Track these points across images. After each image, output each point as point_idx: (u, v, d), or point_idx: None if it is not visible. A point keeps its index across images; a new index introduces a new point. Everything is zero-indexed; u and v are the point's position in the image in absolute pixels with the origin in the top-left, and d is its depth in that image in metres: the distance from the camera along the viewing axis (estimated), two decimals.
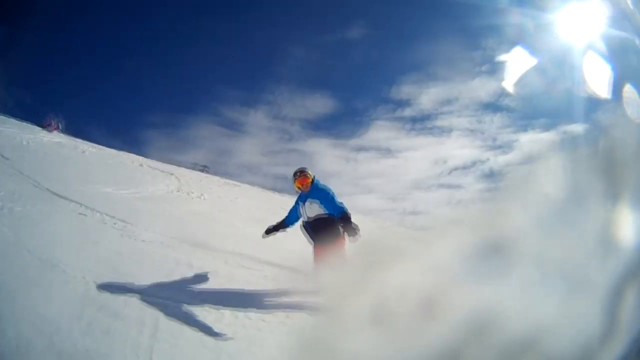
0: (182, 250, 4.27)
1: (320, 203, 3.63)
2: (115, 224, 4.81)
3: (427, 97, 17.97)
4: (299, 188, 3.83)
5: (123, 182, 7.43)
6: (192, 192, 7.91)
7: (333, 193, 3.70)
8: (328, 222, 3.59)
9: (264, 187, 12.11)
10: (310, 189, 3.73)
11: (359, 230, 3.49)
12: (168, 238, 4.59)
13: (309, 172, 3.83)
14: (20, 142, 8.91)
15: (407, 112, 17.23)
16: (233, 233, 5.53)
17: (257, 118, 17.31)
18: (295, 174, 3.86)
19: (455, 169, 15.76)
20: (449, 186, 15.90)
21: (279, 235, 4.53)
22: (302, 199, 3.81)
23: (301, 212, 3.78)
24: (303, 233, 3.80)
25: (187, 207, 6.74)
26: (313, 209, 3.65)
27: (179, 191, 7.85)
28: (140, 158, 11.32)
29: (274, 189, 11.92)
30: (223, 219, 6.37)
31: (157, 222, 5.16)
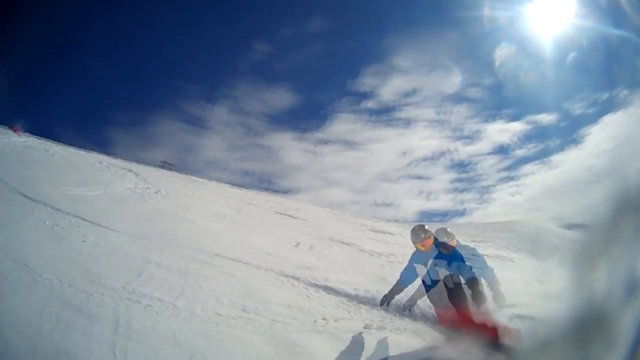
0: (150, 249, 4.39)
1: (459, 268, 3.33)
2: (84, 225, 4.88)
3: (390, 89, 18.43)
4: (421, 248, 3.58)
5: (90, 182, 7.45)
6: (160, 191, 7.90)
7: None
8: (471, 286, 3.28)
9: (231, 183, 12.13)
10: (452, 252, 3.42)
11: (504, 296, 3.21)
12: (136, 237, 4.72)
13: (429, 230, 3.59)
14: None
15: (371, 104, 17.63)
16: (200, 231, 5.66)
17: (219, 113, 17.10)
18: (418, 233, 3.59)
19: (424, 159, 16.45)
20: (418, 177, 16.62)
21: (245, 231, 4.71)
22: (421, 258, 3.52)
23: (428, 273, 3.45)
24: (430, 298, 3.50)
25: (153, 206, 6.78)
26: (450, 272, 3.33)
27: (146, 190, 7.84)
28: (106, 157, 11.16)
29: (240, 186, 12.05)
30: (189, 216, 6.45)
31: (124, 222, 5.24)
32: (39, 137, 11.89)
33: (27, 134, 12.10)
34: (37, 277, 3.21)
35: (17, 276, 3.17)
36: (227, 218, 7.19)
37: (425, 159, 16.66)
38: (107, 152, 12.25)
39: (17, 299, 2.82)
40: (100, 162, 10.02)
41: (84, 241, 4.35)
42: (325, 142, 16.71)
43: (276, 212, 8.69)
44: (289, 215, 8.46)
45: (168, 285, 3.54)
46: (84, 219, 5.06)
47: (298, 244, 5.96)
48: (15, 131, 12.17)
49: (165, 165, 14.03)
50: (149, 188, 7.95)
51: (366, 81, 18.07)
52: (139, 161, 11.71)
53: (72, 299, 2.94)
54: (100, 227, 4.90)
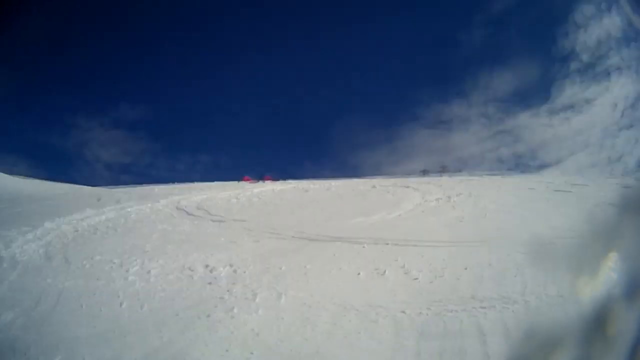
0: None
1: None
2: (398, 250, 5.12)
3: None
4: None
5: (371, 208, 7.71)
6: (449, 198, 8.01)
7: None
8: None
9: (491, 173, 12.39)
10: None
11: None
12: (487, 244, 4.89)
13: None
14: (229, 200, 10.48)
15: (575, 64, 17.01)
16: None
17: (458, 111, 17.94)
18: None
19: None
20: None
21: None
22: None
23: None
24: None
25: (450, 215, 6.80)
26: None
27: (435, 200, 8.07)
28: (369, 180, 12.30)
29: (497, 174, 12.31)
30: (504, 219, 6.25)
31: (429, 236, 5.46)
32: (287, 181, 14.04)
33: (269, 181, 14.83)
34: (370, 316, 3.55)
35: (344, 316, 3.59)
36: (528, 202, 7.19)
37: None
38: (359, 175, 13.89)
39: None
40: (374, 186, 10.89)
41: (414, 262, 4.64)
42: (557, 111, 17.02)
43: (554, 190, 8.33)
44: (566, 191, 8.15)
45: None
46: (396, 244, 5.35)
47: None
48: (266, 180, 15.03)
49: (425, 173, 14.90)
50: (440, 198, 8.21)
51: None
52: (398, 175, 13.00)
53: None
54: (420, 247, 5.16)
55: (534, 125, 17.19)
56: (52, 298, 4.56)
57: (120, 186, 17.08)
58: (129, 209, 9.92)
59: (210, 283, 4.60)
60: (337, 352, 3.06)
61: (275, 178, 15.63)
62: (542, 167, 14.87)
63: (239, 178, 15.70)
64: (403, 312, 3.52)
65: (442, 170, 14.31)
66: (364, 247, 5.33)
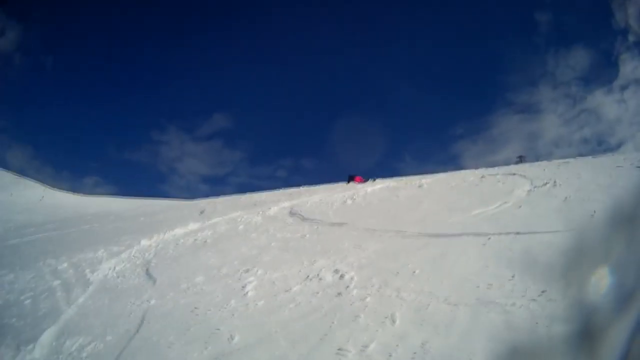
0: None
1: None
2: (524, 239, 4.74)
3: None
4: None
5: (491, 198, 7.40)
6: (547, 183, 7.78)
7: None
8: None
9: (580, 154, 11.93)
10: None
11: None
12: None
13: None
14: (344, 202, 10.92)
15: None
16: None
17: (545, 92, 18.28)
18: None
19: None
20: None
21: None
22: None
23: None
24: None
25: (563, 198, 6.45)
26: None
27: (536, 188, 7.76)
28: (475, 171, 12.46)
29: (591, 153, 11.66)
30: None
31: (547, 223, 5.16)
32: (393, 178, 14.45)
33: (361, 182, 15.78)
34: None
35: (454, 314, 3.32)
36: None
37: None
38: (461, 167, 14.75)
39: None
40: (483, 177, 10.76)
41: None
42: (626, 86, 16.87)
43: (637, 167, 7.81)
44: None
45: None
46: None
47: None
48: (358, 181, 15.94)
49: (522, 159, 15.10)
50: (547, 183, 7.90)
51: None
52: (501, 163, 13.26)
53: None
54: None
55: (609, 102, 15.85)
56: (156, 321, 4.40)
57: (220, 197, 17.63)
58: (238, 220, 10.39)
59: (340, 293, 4.23)
60: None
61: (376, 177, 16.38)
62: (620, 144, 13.93)
63: (340, 180, 16.38)
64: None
65: (534, 155, 14.02)
66: (489, 238, 5.04)
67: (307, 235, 7.58)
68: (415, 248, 5.41)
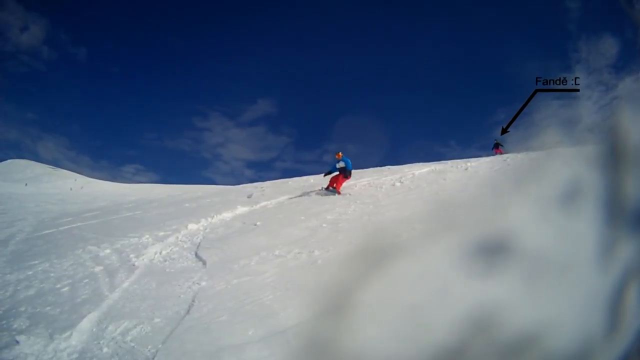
0: None
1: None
2: None
3: None
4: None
5: None
6: None
7: None
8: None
9: None
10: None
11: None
12: None
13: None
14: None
15: None
16: None
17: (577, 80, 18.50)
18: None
19: None
20: None
21: None
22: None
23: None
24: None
25: None
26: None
27: None
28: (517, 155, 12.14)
29: None
30: None
31: None
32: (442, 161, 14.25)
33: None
34: None
35: None
36: None
37: None
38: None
39: None
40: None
41: None
42: None
43: None
44: None
45: None
46: None
47: None
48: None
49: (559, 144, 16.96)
50: None
51: None
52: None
53: None
54: None
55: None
56: (208, 301, 4.19)
57: (267, 181, 16.50)
58: (286, 203, 10.07)
59: None
60: None
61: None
62: None
63: (388, 163, 15.98)
64: None
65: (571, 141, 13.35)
66: None
67: (357, 217, 7.34)
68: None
